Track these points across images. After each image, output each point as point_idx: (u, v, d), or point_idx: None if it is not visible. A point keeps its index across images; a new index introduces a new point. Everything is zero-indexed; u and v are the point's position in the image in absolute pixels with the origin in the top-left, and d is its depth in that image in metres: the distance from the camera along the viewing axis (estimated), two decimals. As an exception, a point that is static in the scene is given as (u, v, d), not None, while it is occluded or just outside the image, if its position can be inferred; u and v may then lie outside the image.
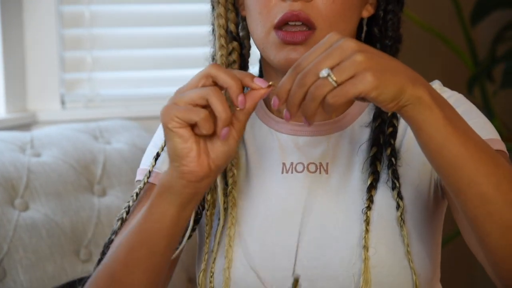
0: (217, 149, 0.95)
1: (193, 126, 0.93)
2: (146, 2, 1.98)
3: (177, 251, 1.06)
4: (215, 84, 0.93)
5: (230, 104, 0.93)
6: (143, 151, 1.70)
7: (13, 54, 1.81)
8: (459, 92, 1.15)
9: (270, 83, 0.93)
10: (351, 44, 0.88)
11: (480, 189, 0.93)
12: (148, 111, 1.94)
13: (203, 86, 0.93)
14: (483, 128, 1.07)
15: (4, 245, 1.47)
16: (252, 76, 0.94)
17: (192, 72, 2.07)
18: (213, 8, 1.13)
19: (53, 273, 1.51)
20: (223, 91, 0.93)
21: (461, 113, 1.08)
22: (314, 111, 0.88)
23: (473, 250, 1.05)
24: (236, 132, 0.94)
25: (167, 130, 0.94)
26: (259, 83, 0.93)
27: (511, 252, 0.95)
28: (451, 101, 1.10)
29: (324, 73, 0.87)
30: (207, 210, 1.10)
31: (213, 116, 0.92)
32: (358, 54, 0.88)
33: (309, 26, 1.05)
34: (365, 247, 1.05)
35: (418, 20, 2.10)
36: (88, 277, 1.08)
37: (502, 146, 1.08)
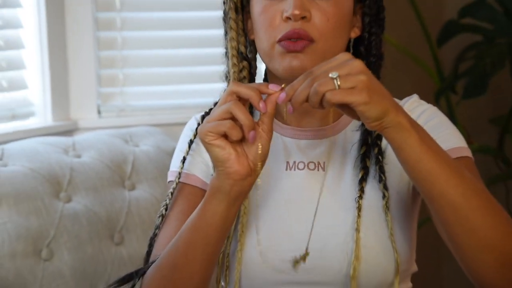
0: (253, 151, 0.96)
1: (226, 136, 0.94)
2: (166, 29, 1.97)
3: None
4: (239, 98, 0.94)
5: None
6: (165, 152, 1.72)
7: (58, 73, 1.81)
8: (427, 102, 1.15)
9: (283, 85, 0.94)
10: (360, 64, 0.91)
11: (449, 198, 0.94)
12: (169, 119, 1.93)
13: (227, 100, 0.94)
14: (454, 137, 1.09)
15: (51, 231, 1.47)
16: (267, 84, 0.95)
17: (207, 87, 2.08)
18: (226, 33, 1.13)
19: (91, 254, 1.52)
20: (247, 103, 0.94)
21: (436, 124, 1.10)
22: (316, 103, 0.89)
23: (444, 239, 1.04)
24: (266, 133, 0.95)
25: (205, 144, 0.95)
26: (273, 87, 0.94)
27: (476, 250, 0.96)
28: (428, 112, 1.12)
29: (333, 74, 0.89)
30: None
31: (239, 124, 0.93)
32: (363, 74, 0.90)
33: (308, 39, 1.05)
34: (357, 230, 1.05)
35: (394, 42, 2.10)
36: (143, 268, 1.08)
37: (468, 152, 1.09)
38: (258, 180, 1.06)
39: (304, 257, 1.06)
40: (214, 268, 1.05)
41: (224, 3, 1.14)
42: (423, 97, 1.16)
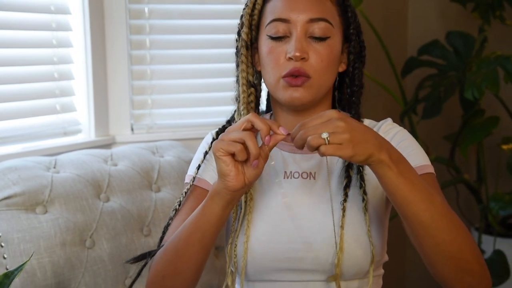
0: (250, 171, 0.96)
1: (233, 155, 0.94)
2: (185, 63, 1.97)
3: None
4: (252, 126, 0.95)
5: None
6: (185, 161, 1.72)
7: (100, 99, 1.82)
8: (394, 121, 1.16)
9: (289, 133, 0.94)
10: (342, 124, 0.90)
11: (420, 219, 0.95)
12: (188, 135, 1.93)
13: (245, 128, 0.94)
14: (420, 156, 1.09)
15: (93, 225, 1.47)
16: (278, 125, 0.95)
17: (219, 109, 2.07)
18: (238, 65, 1.14)
19: (125, 243, 1.51)
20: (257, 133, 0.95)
21: (407, 145, 1.10)
22: (312, 150, 0.90)
23: (412, 243, 1.04)
24: (263, 159, 0.96)
25: (215, 157, 0.96)
26: (282, 130, 0.95)
27: (439, 258, 0.97)
28: (400, 134, 1.12)
29: (324, 135, 0.90)
30: None
31: (247, 149, 0.94)
32: (346, 133, 0.90)
33: (306, 76, 1.05)
34: (342, 227, 1.05)
35: (368, 74, 2.13)
36: (154, 250, 1.09)
37: (432, 169, 1.09)
38: (258, 187, 1.07)
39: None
40: (208, 256, 1.04)
41: (236, 41, 1.14)
42: (390, 117, 1.17)
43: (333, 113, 0.92)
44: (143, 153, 1.69)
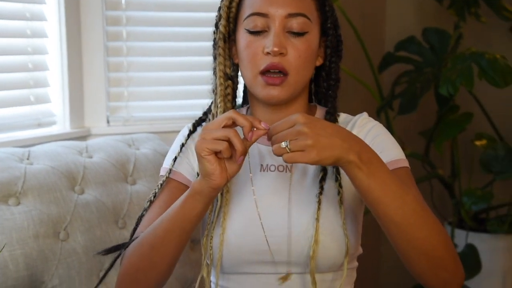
0: (232, 167, 0.96)
1: (217, 153, 0.93)
2: (162, 55, 1.96)
3: None
4: (233, 123, 0.94)
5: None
6: (161, 154, 1.72)
7: (75, 90, 1.81)
8: (371, 116, 1.17)
9: (269, 127, 0.94)
10: (306, 129, 0.90)
11: (392, 218, 0.96)
12: (164, 128, 1.92)
13: (225, 125, 0.94)
14: (395, 150, 1.10)
15: (67, 217, 1.46)
16: (260, 121, 0.95)
17: (195, 102, 2.06)
18: (215, 57, 1.12)
19: (100, 236, 1.50)
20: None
21: (382, 139, 1.11)
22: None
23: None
24: (243, 155, 0.95)
25: (199, 157, 0.94)
26: (264, 125, 0.95)
27: (413, 255, 0.98)
28: (376, 128, 1.12)
29: (283, 144, 0.91)
30: None
31: (231, 145, 0.93)
32: (308, 139, 0.90)
33: (284, 72, 1.05)
34: (317, 219, 1.05)
35: (345, 69, 2.14)
36: (128, 242, 1.08)
37: (406, 163, 1.10)
38: (235, 179, 1.07)
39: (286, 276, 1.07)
40: (183, 250, 1.04)
41: (214, 33, 1.13)
42: (367, 112, 1.17)
43: (298, 118, 0.91)
44: (119, 146, 1.68)
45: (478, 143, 2.31)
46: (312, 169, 1.10)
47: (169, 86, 1.98)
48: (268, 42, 1.05)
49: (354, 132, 1.11)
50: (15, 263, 1.33)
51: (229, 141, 0.93)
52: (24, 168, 1.44)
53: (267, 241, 1.05)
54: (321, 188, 1.07)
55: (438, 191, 2.48)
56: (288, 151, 0.90)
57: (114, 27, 1.87)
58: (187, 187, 1.11)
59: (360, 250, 1.15)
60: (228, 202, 1.08)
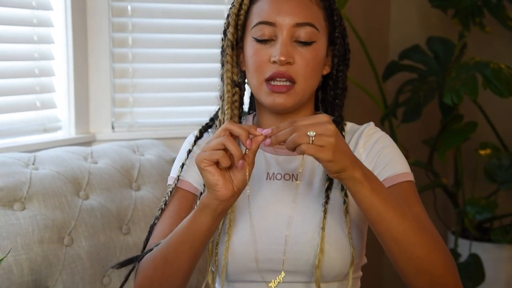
0: (237, 177, 0.96)
1: (218, 164, 0.94)
2: (168, 62, 1.97)
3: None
4: (231, 135, 0.94)
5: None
6: (165, 160, 1.72)
7: (81, 96, 1.82)
8: (374, 123, 1.17)
9: (270, 131, 0.94)
10: (333, 128, 0.92)
11: (392, 234, 0.97)
12: (169, 134, 1.93)
13: (221, 135, 0.95)
14: (401, 163, 1.10)
15: (72, 222, 1.46)
16: (255, 127, 0.95)
17: (201, 108, 2.07)
18: (223, 64, 1.12)
19: (104, 241, 1.51)
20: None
21: (389, 151, 1.10)
22: (290, 149, 0.91)
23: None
24: (248, 165, 0.95)
25: (200, 169, 0.95)
26: (260, 131, 0.94)
27: (412, 272, 0.98)
28: (382, 139, 1.12)
29: (311, 133, 0.91)
30: None
31: (230, 155, 0.93)
32: (333, 137, 0.91)
33: (291, 81, 1.05)
34: (323, 228, 1.05)
35: (350, 77, 2.15)
36: (141, 255, 1.08)
37: (411, 177, 1.09)
38: (247, 188, 1.07)
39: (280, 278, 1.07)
40: (197, 263, 1.04)
41: (222, 40, 1.14)
42: (371, 120, 1.17)
43: (324, 117, 0.92)
44: (124, 151, 1.69)
45: (482, 152, 2.31)
46: (318, 178, 1.10)
47: (174, 93, 1.99)
48: (275, 51, 1.05)
49: (361, 141, 1.11)
50: (20, 268, 1.34)
51: (226, 150, 0.93)
52: (29, 173, 1.45)
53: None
54: (327, 197, 1.07)
55: (442, 200, 2.48)
56: (311, 142, 0.90)
57: (120, 33, 1.88)
58: (195, 195, 1.11)
59: (365, 260, 1.15)
60: (234, 209, 1.08)
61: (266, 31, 1.06)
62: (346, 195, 1.07)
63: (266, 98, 1.07)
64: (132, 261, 1.09)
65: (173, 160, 1.71)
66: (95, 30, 1.82)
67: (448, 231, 2.40)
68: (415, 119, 2.17)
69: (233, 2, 1.13)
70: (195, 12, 1.96)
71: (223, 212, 0.98)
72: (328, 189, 1.08)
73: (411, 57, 2.31)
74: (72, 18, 1.75)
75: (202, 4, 1.96)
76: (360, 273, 1.15)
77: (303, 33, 1.05)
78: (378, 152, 1.08)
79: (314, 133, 0.90)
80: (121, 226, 1.56)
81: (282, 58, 1.04)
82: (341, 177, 0.94)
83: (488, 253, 2.20)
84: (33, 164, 1.49)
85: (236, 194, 0.97)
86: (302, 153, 0.91)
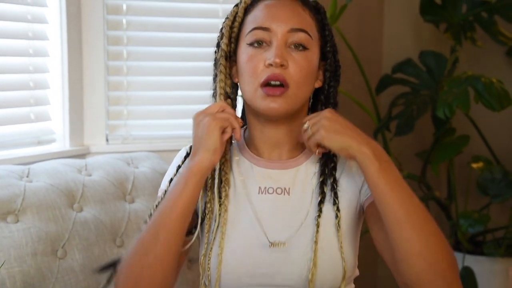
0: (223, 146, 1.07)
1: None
2: (161, 75, 1.98)
3: (187, 245, 1.08)
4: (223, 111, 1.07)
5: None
6: (159, 173, 1.73)
7: (75, 109, 1.83)
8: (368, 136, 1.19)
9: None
10: (326, 111, 1.05)
11: (395, 214, 1.00)
12: (163, 146, 1.94)
13: (217, 111, 1.06)
14: None
15: (66, 234, 1.46)
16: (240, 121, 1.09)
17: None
18: (216, 75, 1.14)
19: (98, 254, 1.51)
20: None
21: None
22: (309, 149, 1.09)
23: (378, 247, 1.08)
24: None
25: (211, 133, 1.03)
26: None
27: (411, 256, 0.99)
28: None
29: (306, 125, 1.05)
30: (207, 215, 1.10)
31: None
32: (326, 119, 1.03)
33: (284, 84, 1.07)
34: (316, 242, 1.06)
35: (343, 90, 2.16)
36: (122, 258, 1.08)
37: None
38: (233, 201, 1.10)
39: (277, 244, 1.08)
40: (175, 257, 1.03)
41: (215, 52, 1.15)
42: (364, 133, 1.18)
43: (326, 110, 1.05)
44: (118, 164, 1.69)
45: (474, 165, 2.32)
46: (309, 192, 1.11)
47: (168, 105, 2.00)
48: (269, 54, 1.07)
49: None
50: (13, 281, 1.33)
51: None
52: (23, 185, 1.45)
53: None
54: (320, 211, 1.08)
55: (435, 213, 2.49)
56: (310, 132, 1.02)
57: (115, 46, 1.89)
58: None
59: (357, 272, 1.15)
60: (226, 221, 1.09)
61: (261, 36, 1.08)
62: (338, 209, 1.09)
63: (261, 102, 1.08)
64: (114, 264, 1.09)
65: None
66: (90, 43, 1.83)
67: (441, 244, 2.41)
68: (408, 132, 2.18)
69: (227, 15, 1.15)
70: (189, 26, 1.98)
71: (200, 180, 1.04)
72: (321, 202, 1.09)
73: (404, 70, 2.33)
74: (68, 31, 1.76)
75: (196, 18, 1.98)
76: (353, 286, 1.16)
77: (297, 39, 1.08)
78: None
79: (307, 124, 1.02)
80: (114, 239, 1.56)
81: (277, 60, 1.05)
82: (350, 154, 1.01)
83: (481, 266, 2.20)
84: (27, 176, 1.50)
85: (213, 167, 1.05)
86: (311, 149, 1.04)
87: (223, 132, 1.04)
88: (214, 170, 1.09)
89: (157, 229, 1.02)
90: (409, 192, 1.01)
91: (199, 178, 1.03)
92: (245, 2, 1.13)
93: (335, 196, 1.09)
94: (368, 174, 1.00)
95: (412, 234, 0.98)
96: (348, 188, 1.12)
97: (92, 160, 1.70)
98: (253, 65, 1.08)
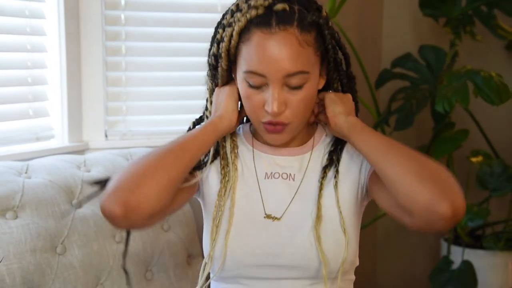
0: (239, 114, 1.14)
1: None
2: (159, 70, 1.98)
3: (194, 180, 1.11)
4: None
5: None
6: (158, 169, 1.71)
7: (74, 105, 1.82)
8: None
9: None
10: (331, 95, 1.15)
11: (380, 148, 1.04)
12: (162, 142, 1.84)
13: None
14: None
15: (65, 231, 1.47)
16: None
17: (194, 116, 2.07)
18: (212, 79, 1.18)
19: (97, 250, 1.51)
20: None
21: None
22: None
23: (388, 210, 1.07)
24: None
25: (232, 95, 1.12)
26: None
27: (399, 169, 1.00)
28: None
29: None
30: (223, 178, 1.13)
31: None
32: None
33: (284, 125, 1.09)
34: (317, 222, 1.08)
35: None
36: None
37: None
38: (241, 184, 1.13)
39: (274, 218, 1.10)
40: (173, 188, 1.02)
41: (211, 65, 1.15)
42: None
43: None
44: (117, 160, 1.69)
45: (474, 159, 2.32)
46: (314, 177, 1.13)
47: (167, 101, 2.00)
48: (268, 100, 1.06)
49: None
50: (12, 277, 1.33)
51: None
52: (22, 181, 1.45)
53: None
54: (321, 190, 1.11)
55: (434, 207, 2.48)
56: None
57: (114, 42, 1.89)
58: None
59: (357, 261, 1.16)
60: (234, 204, 1.11)
61: (257, 80, 1.06)
62: (337, 171, 1.12)
63: (263, 135, 1.12)
64: (106, 181, 1.07)
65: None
66: (88, 39, 1.82)
67: (440, 238, 2.41)
68: (408, 127, 2.18)
69: (222, 35, 1.10)
70: (188, 21, 1.98)
71: (215, 133, 1.09)
72: (327, 167, 1.13)
73: (403, 65, 2.32)
74: (65, 27, 1.76)
75: (195, 13, 1.97)
76: (353, 277, 1.17)
77: (294, 81, 1.05)
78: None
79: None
80: (114, 235, 1.56)
81: (275, 111, 1.05)
82: (340, 122, 1.10)
83: (480, 260, 2.21)
84: (26, 172, 1.49)
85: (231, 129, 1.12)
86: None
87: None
88: (225, 145, 1.14)
89: (165, 152, 1.04)
90: (395, 144, 1.04)
91: (216, 129, 1.08)
92: (238, 26, 1.06)
93: (336, 180, 1.12)
94: (357, 137, 1.06)
95: (398, 159, 1.00)
96: (348, 174, 1.14)
97: (91, 156, 1.70)
98: (252, 104, 1.08)
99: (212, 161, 1.15)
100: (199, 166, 1.14)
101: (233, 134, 1.17)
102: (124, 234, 1.09)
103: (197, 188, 1.16)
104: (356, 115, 1.17)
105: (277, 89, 1.05)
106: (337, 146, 1.16)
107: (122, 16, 1.89)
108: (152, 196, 0.98)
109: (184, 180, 1.07)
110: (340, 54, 1.16)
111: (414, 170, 0.98)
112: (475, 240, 2.32)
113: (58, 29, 1.76)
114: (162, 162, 1.02)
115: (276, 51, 1.02)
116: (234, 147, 1.16)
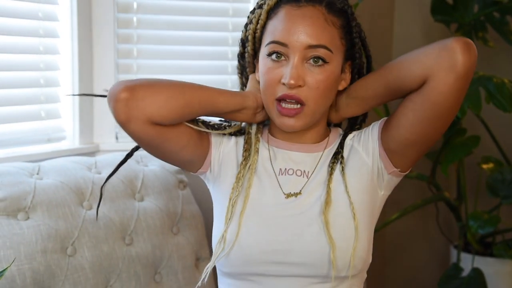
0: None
1: None
2: (172, 73, 1.99)
3: (204, 130, 1.15)
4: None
5: None
6: (169, 171, 1.73)
7: (85, 107, 1.83)
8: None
9: None
10: None
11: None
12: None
13: None
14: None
15: (75, 232, 1.47)
16: None
17: (205, 119, 2.06)
18: (242, 72, 1.24)
19: (107, 252, 1.51)
20: None
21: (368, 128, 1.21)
22: None
23: (415, 118, 1.08)
24: None
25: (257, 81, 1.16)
26: None
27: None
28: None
29: None
30: (243, 161, 1.15)
31: None
32: None
33: (300, 103, 1.07)
34: (326, 217, 1.08)
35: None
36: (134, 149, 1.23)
37: None
38: (255, 180, 1.13)
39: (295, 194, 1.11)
40: (179, 112, 1.06)
41: (241, 54, 1.21)
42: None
43: None
44: (128, 162, 1.67)
45: (484, 166, 2.31)
46: (326, 176, 1.12)
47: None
48: (285, 73, 1.06)
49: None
50: (23, 278, 1.34)
51: None
52: (33, 183, 1.46)
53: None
54: (331, 175, 1.11)
55: (444, 214, 2.48)
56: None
57: (125, 44, 1.90)
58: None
59: (369, 260, 1.14)
60: (247, 199, 1.11)
61: (279, 49, 1.07)
62: (342, 160, 1.13)
63: (275, 118, 1.10)
64: (125, 160, 1.20)
65: (177, 171, 1.72)
66: (101, 41, 1.84)
67: (450, 245, 2.40)
68: (418, 132, 2.16)
69: (251, 18, 1.15)
70: (199, 24, 1.98)
71: (240, 101, 1.12)
72: (336, 154, 1.14)
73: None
74: (78, 29, 1.77)
75: (206, 17, 1.98)
76: (365, 275, 1.16)
77: (316, 55, 1.06)
78: (365, 134, 1.16)
79: None
80: (124, 237, 1.57)
81: (292, 82, 1.05)
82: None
83: (490, 268, 2.19)
84: (37, 174, 1.50)
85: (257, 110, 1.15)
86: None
87: None
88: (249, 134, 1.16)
89: (192, 83, 1.09)
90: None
91: (244, 99, 1.10)
92: (268, 4, 1.11)
93: (343, 178, 1.12)
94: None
95: (396, 65, 1.07)
96: (355, 171, 1.12)
97: (101, 158, 1.70)
98: (270, 78, 1.08)
99: (232, 134, 1.17)
100: (217, 127, 1.16)
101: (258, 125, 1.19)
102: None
103: (204, 155, 1.15)
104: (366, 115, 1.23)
105: (298, 60, 1.06)
106: (344, 139, 1.16)
107: (134, 19, 1.90)
108: (159, 101, 1.03)
109: (197, 132, 1.12)
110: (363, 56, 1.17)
111: (411, 58, 1.04)
112: (485, 248, 2.30)
113: (71, 31, 1.77)
114: (183, 84, 1.08)
115: (300, 21, 1.06)
116: (258, 131, 1.17)
